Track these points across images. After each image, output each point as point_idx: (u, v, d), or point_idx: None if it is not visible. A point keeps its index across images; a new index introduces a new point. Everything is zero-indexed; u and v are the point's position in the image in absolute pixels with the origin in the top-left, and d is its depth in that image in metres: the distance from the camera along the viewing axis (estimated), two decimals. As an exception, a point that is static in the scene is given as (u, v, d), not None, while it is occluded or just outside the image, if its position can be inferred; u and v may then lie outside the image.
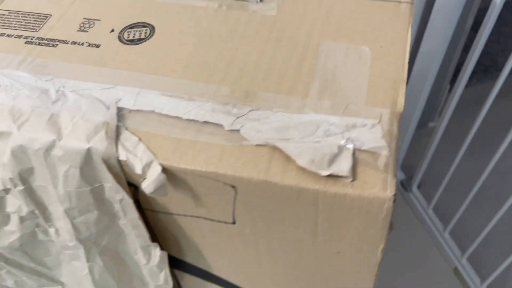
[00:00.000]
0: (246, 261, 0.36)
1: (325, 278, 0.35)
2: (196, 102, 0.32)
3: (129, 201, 0.31)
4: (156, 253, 0.35)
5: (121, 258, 0.40)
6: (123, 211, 0.32)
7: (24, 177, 0.33)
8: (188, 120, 0.31)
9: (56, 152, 0.30)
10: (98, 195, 0.33)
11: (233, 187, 0.28)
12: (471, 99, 0.90)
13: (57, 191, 0.32)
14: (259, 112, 0.30)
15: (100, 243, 0.37)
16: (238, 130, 0.30)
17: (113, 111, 0.31)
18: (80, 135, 0.30)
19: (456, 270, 0.93)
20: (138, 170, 0.29)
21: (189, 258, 0.38)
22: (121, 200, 0.31)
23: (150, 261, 0.36)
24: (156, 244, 0.34)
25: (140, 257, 0.37)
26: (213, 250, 0.36)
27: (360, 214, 0.27)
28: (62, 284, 0.45)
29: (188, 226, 0.34)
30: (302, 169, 0.27)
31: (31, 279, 0.43)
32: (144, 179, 0.29)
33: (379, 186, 0.26)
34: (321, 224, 0.29)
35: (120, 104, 0.32)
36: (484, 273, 0.88)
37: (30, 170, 0.32)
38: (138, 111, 0.32)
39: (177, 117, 0.31)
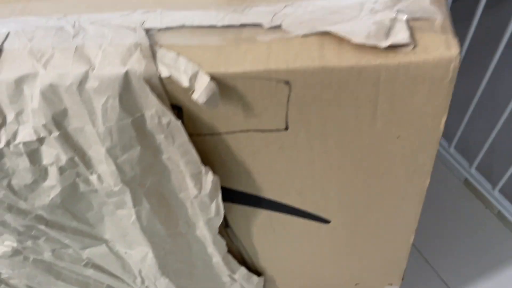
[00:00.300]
0: (299, 174, 0.35)
1: (380, 178, 0.35)
2: (225, 10, 0.30)
3: (177, 123, 0.30)
4: (208, 179, 0.34)
5: (165, 200, 0.39)
6: (171, 136, 0.31)
7: (58, 120, 0.31)
8: (223, 27, 0.29)
9: (91, 84, 0.28)
10: (139, 127, 0.31)
11: (287, 83, 0.27)
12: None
13: (96, 129, 0.31)
14: (295, 5, 0.29)
15: (145, 184, 0.36)
16: (279, 26, 0.28)
17: (141, 32, 0.29)
18: (114, 60, 0.28)
19: (466, 181, 0.95)
20: (185, 82, 0.27)
21: (238, 185, 0.37)
22: (168, 124, 0.30)
23: (202, 191, 0.35)
24: (208, 168, 0.33)
25: (189, 190, 0.36)
26: (264, 168, 0.35)
27: (424, 83, 0.26)
28: (105, 241, 0.44)
29: (237, 145, 0.33)
30: (359, 48, 0.26)
31: (74, 241, 0.42)
32: (193, 91, 0.27)
33: (442, 47, 0.25)
34: (381, 105, 0.28)
35: (147, 25, 0.30)
36: (494, 179, 0.91)
37: (64, 112, 0.30)
38: (167, 29, 0.30)
39: (211, 26, 0.29)
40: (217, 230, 0.41)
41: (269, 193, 0.38)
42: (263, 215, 0.41)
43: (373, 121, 0.29)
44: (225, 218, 0.43)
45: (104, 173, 0.34)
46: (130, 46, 0.29)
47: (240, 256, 0.50)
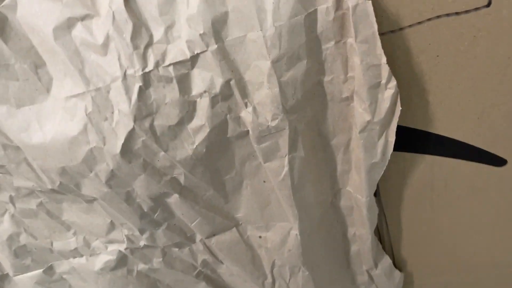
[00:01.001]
0: (490, 81, 0.29)
1: None
2: None
3: (366, 4, 0.25)
4: (387, 95, 0.28)
5: (316, 152, 0.33)
6: (354, 27, 0.26)
7: (218, 29, 0.26)
8: None
9: (264, -30, 0.24)
10: (310, 28, 0.26)
11: None
12: None
13: (263, 33, 0.26)
14: None
15: (304, 118, 0.30)
16: None
17: None
18: None
19: None
20: None
21: (406, 118, 0.31)
22: (354, 8, 0.25)
23: (376, 114, 0.29)
24: (391, 75, 0.27)
25: (356, 119, 0.30)
26: (444, 80, 0.29)
27: None
28: (236, 223, 0.36)
29: (421, 42, 0.28)
30: None
31: (202, 223, 0.35)
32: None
33: None
34: None
35: None
36: None
37: (225, 16, 0.26)
38: None
39: None
40: (375, 187, 0.34)
41: (439, 126, 0.32)
42: (424, 165, 0.35)
43: None
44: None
45: (262, 102, 0.28)
46: None
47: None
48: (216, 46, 0.26)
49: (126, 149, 0.28)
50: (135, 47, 0.26)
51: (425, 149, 0.34)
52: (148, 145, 0.29)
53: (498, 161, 0.35)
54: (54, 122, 0.28)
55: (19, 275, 0.40)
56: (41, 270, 0.40)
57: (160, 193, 0.32)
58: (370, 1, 0.25)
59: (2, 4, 0.26)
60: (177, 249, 0.38)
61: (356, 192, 0.35)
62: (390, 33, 0.27)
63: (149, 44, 0.26)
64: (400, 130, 0.32)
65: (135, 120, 0.27)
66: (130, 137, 0.28)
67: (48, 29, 0.26)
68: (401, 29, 0.27)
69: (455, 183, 0.36)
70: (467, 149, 0.34)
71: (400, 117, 0.31)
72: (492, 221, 0.39)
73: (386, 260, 0.42)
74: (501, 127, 0.32)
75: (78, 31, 0.26)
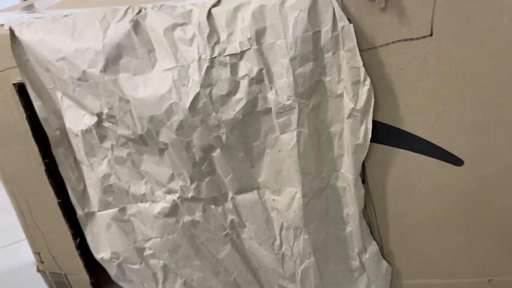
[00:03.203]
0: (437, 93, 0.43)
1: None
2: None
3: (350, 26, 0.41)
4: (364, 89, 0.42)
5: (318, 135, 0.47)
6: (342, 41, 0.41)
7: (259, 36, 0.43)
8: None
9: (289, 2, 0.41)
10: (316, 41, 0.42)
11: (433, -14, 0.38)
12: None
13: (286, 40, 0.42)
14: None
15: (309, 104, 0.45)
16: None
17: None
18: (307, -16, 0.41)
19: None
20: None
21: (382, 115, 0.45)
22: (342, 28, 0.41)
23: (357, 103, 0.43)
24: (366, 75, 0.42)
25: (344, 108, 0.44)
26: (406, 87, 0.43)
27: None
28: (257, 187, 0.50)
29: (387, 59, 0.42)
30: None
31: (234, 179, 0.49)
32: (366, -6, 0.39)
33: None
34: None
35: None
36: None
37: (264, 29, 0.43)
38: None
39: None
40: (360, 167, 0.47)
41: (407, 124, 0.45)
42: (399, 158, 0.47)
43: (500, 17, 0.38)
44: (363, 170, 0.48)
45: (282, 87, 0.44)
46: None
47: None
48: (256, 47, 0.43)
49: (192, 106, 0.45)
50: (208, 43, 0.43)
51: (399, 144, 0.46)
52: (206, 106, 0.45)
53: (457, 161, 0.46)
54: (152, 85, 0.45)
55: (101, 211, 0.56)
56: (116, 209, 0.55)
57: (209, 145, 0.47)
58: (352, 25, 0.41)
59: (140, 14, 0.45)
60: (213, 206, 0.52)
61: (347, 172, 0.48)
62: (368, 50, 0.42)
63: (217, 42, 0.44)
64: (379, 125, 0.46)
65: (201, 87, 0.44)
66: (196, 98, 0.44)
67: (160, 30, 0.45)
68: (375, 47, 0.42)
69: (426, 178, 0.47)
70: (431, 147, 0.46)
71: (379, 114, 0.45)
72: (459, 218, 0.48)
73: (374, 246, 0.52)
74: (453, 130, 0.44)
75: (177, 31, 0.44)
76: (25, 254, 1.18)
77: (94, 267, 0.68)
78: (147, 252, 0.57)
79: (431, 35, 0.41)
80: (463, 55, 0.41)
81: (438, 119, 0.44)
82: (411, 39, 0.41)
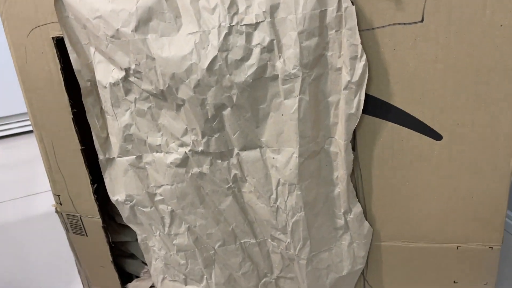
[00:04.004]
0: (424, 74, 0.49)
1: (489, 80, 0.48)
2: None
3: (352, 8, 0.47)
4: (361, 64, 0.49)
5: (317, 103, 0.53)
6: (345, 20, 0.47)
7: (273, 10, 0.49)
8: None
9: (302, -18, 0.48)
10: (322, 19, 0.48)
11: (427, -22, 0.44)
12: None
13: (296, 16, 0.48)
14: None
15: (311, 74, 0.51)
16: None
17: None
18: (318, -31, 0.48)
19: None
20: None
21: (374, 89, 0.51)
22: (346, 8, 0.47)
23: (353, 76, 0.49)
24: (363, 51, 0.48)
25: (341, 80, 0.51)
26: (398, 67, 0.49)
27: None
28: (260, 146, 0.56)
29: (383, 39, 0.48)
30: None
31: (240, 136, 0.55)
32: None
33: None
34: (489, -4, 0.44)
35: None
36: None
37: (277, 5, 0.49)
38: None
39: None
40: (351, 135, 0.53)
41: (396, 99, 0.51)
42: (387, 130, 0.53)
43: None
44: (354, 138, 0.55)
45: (289, 57, 0.50)
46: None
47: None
48: (270, 19, 0.49)
49: (210, 68, 0.51)
50: (228, 13, 0.50)
51: (387, 116, 0.53)
52: (222, 68, 0.51)
53: (437, 136, 0.52)
54: (176, 46, 0.52)
55: (120, 157, 0.63)
56: (134, 157, 0.62)
57: (221, 104, 0.53)
58: (354, 7, 0.47)
59: (170, -16, 0.52)
60: (220, 161, 0.59)
61: (340, 138, 0.54)
62: (367, 30, 0.49)
63: (236, 13, 0.50)
64: (371, 98, 0.52)
65: (218, 51, 0.50)
66: (214, 60, 0.51)
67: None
68: (373, 28, 0.48)
69: (408, 149, 0.54)
70: (415, 121, 0.52)
71: (371, 88, 0.52)
72: (433, 188, 0.55)
73: (358, 208, 0.59)
74: (435, 108, 0.51)
75: (202, 1, 0.51)
76: (42, 205, 1.27)
77: (105, 214, 0.75)
78: (158, 198, 0.64)
79: (422, 21, 0.47)
80: (448, 41, 0.47)
81: (423, 97, 0.50)
82: (404, 24, 0.47)
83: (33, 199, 1.32)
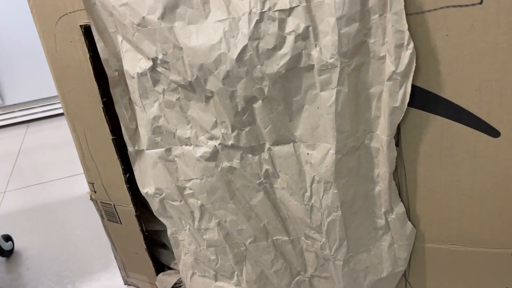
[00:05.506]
0: (482, 62, 0.43)
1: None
2: None
3: (398, -10, 0.41)
4: (407, 52, 0.43)
5: (357, 94, 0.48)
6: (390, 4, 0.42)
7: (308, -6, 0.44)
8: None
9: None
10: (364, 2, 0.43)
11: (489, -47, 0.38)
12: None
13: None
14: None
15: (351, 64, 0.46)
16: None
17: None
18: None
19: None
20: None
21: (422, 81, 0.46)
22: (390, -9, 0.42)
23: (399, 66, 0.44)
24: (410, 39, 0.43)
25: (385, 70, 0.45)
26: (451, 55, 0.44)
27: None
28: (293, 140, 0.53)
29: (434, 25, 0.43)
30: None
31: (272, 131, 0.52)
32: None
33: None
34: None
35: None
36: None
37: (314, -13, 0.44)
38: None
39: None
40: (395, 130, 0.48)
41: (447, 91, 0.46)
42: (435, 125, 0.48)
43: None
44: (398, 133, 0.50)
45: (326, 45, 0.45)
46: None
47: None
48: (305, 4, 0.45)
49: (239, 58, 0.47)
50: (260, -3, 0.45)
51: (436, 110, 0.47)
52: (252, 58, 0.47)
53: (494, 132, 0.46)
54: (204, 35, 0.48)
55: (149, 149, 0.61)
56: (163, 149, 0.60)
57: (252, 96, 0.50)
58: (401, -12, 0.41)
59: (197, -35, 0.48)
60: (251, 155, 0.56)
61: (382, 133, 0.49)
62: (415, 14, 0.43)
63: (267, -2, 0.46)
64: (418, 90, 0.47)
65: (249, 40, 0.46)
66: (244, 50, 0.47)
67: (217, -17, 0.47)
68: (422, 12, 0.43)
69: (459, 146, 0.48)
70: (469, 116, 0.46)
71: (419, 79, 0.46)
72: (488, 189, 0.49)
73: (401, 207, 0.54)
74: (494, 101, 0.45)
75: (232, -14, 0.46)
76: (82, 186, 1.30)
77: (138, 203, 0.74)
78: (187, 191, 0.62)
79: (481, 3, 0.41)
80: (511, 26, 0.41)
81: (479, 89, 0.45)
82: (460, 6, 0.41)
83: (76, 180, 1.35)
